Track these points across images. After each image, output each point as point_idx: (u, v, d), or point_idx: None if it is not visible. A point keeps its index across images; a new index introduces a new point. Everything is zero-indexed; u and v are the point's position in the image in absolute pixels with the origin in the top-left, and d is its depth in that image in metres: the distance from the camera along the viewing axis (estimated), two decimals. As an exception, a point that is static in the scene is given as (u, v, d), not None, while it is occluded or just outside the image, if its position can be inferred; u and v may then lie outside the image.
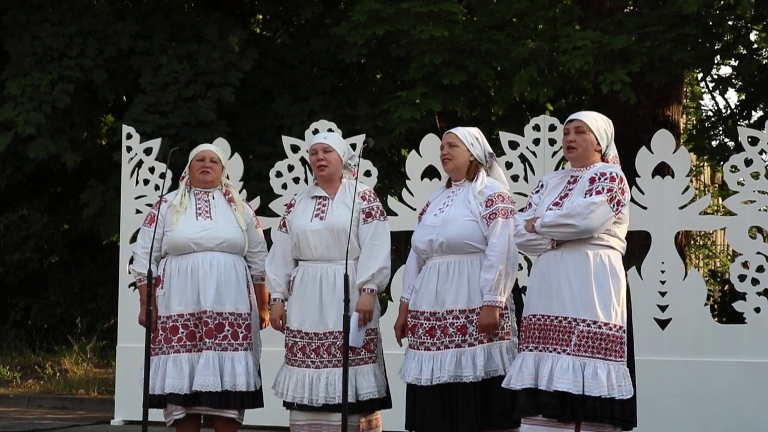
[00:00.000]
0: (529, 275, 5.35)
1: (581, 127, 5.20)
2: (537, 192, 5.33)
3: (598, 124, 5.22)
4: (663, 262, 7.53)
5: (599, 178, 5.07)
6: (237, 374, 5.83)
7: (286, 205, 6.05)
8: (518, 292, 5.54)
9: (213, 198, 6.07)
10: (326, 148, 5.79)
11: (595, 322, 4.98)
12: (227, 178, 6.26)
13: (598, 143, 5.20)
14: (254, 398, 5.94)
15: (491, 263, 5.29)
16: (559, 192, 5.20)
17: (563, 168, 7.74)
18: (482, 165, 5.55)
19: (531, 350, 5.07)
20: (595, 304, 4.99)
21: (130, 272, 8.47)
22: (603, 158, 5.24)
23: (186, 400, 5.83)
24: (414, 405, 5.44)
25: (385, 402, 5.74)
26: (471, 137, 5.56)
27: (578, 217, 4.98)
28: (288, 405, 5.76)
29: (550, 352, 5.01)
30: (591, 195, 5.02)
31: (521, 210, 5.39)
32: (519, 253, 5.49)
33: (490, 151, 5.61)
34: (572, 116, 5.29)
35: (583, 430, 4.96)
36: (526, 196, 7.48)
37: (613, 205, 5.03)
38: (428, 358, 5.36)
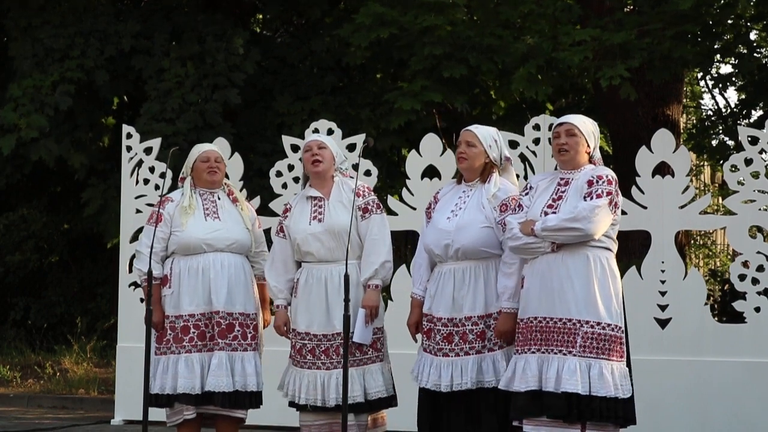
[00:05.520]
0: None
1: (572, 130, 5.21)
2: (526, 194, 5.30)
3: (587, 127, 5.24)
4: (663, 262, 7.53)
5: (597, 181, 5.09)
6: (247, 374, 5.85)
7: (282, 212, 6.02)
8: None
9: (219, 198, 6.07)
10: (320, 144, 5.80)
11: (598, 323, 5.00)
12: (227, 177, 6.26)
13: (588, 145, 5.22)
14: (258, 398, 5.96)
15: (513, 271, 5.23)
16: (551, 194, 5.19)
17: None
18: (497, 166, 5.48)
19: (534, 352, 5.06)
20: (599, 306, 5.01)
21: (132, 271, 8.48)
22: (590, 160, 5.25)
23: (197, 400, 5.83)
24: (429, 409, 5.40)
25: (391, 400, 5.73)
26: (490, 138, 5.45)
27: (584, 221, 4.99)
28: (300, 407, 5.72)
29: (555, 353, 5.01)
30: (591, 198, 5.03)
31: (512, 212, 5.34)
32: None
33: (507, 155, 5.53)
34: (561, 119, 5.29)
35: (588, 430, 4.98)
36: (526, 195, 7.47)
37: (612, 208, 5.07)
38: (447, 364, 5.32)
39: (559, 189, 5.19)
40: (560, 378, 4.96)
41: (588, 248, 5.05)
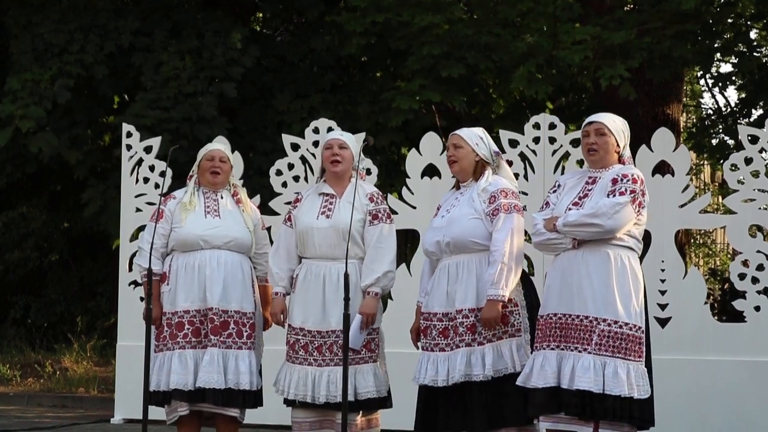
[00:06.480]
0: (534, 272, 5.34)
1: (602, 129, 5.22)
2: (554, 192, 5.33)
3: (617, 126, 5.26)
4: (663, 261, 7.53)
5: (621, 180, 5.10)
6: (240, 373, 5.83)
7: (290, 202, 6.03)
8: (531, 288, 5.51)
9: (222, 197, 6.08)
10: (342, 144, 5.80)
11: (615, 322, 5.00)
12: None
13: (618, 144, 5.23)
14: (255, 398, 5.94)
15: (494, 258, 5.26)
16: (578, 192, 5.21)
17: (564, 167, 7.78)
18: (489, 164, 5.53)
19: (553, 349, 5.07)
20: (617, 304, 5.01)
21: (132, 270, 8.47)
22: (619, 159, 5.26)
23: (190, 397, 5.83)
24: (426, 406, 5.41)
25: (385, 401, 5.72)
26: (475, 137, 5.53)
27: (603, 217, 5.00)
28: (290, 403, 5.76)
29: (572, 350, 5.03)
30: (614, 195, 5.05)
31: (540, 209, 5.37)
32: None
33: (496, 150, 5.58)
34: (591, 118, 5.29)
35: (602, 429, 4.98)
36: (526, 194, 7.49)
37: (635, 207, 5.08)
38: (443, 359, 5.33)
39: (586, 187, 5.21)
40: (574, 375, 4.97)
41: (609, 246, 5.06)
